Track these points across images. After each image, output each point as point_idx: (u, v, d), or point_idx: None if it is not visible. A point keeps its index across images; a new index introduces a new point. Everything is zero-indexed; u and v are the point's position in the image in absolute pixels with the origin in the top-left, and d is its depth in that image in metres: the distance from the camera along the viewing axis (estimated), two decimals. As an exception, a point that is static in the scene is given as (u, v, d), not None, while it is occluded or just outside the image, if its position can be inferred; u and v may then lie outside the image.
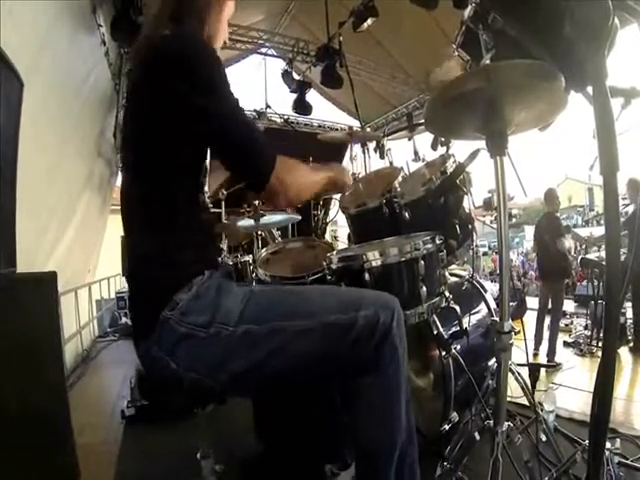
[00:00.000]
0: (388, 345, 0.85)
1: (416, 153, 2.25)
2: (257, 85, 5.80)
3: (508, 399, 1.25)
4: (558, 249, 3.56)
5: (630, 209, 3.50)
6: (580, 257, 4.65)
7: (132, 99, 0.95)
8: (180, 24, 0.91)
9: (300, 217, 2.68)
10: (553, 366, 3.23)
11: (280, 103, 5.64)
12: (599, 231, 4.41)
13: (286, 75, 5.13)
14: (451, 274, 1.79)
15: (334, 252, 1.46)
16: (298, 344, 0.83)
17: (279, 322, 0.84)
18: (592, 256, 4.07)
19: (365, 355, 0.85)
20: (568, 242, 3.77)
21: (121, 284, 6.95)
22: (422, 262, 1.18)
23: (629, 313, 3.70)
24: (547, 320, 3.66)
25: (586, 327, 3.99)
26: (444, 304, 1.30)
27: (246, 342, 0.83)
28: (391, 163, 2.27)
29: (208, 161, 1.00)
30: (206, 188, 1.00)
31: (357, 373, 0.88)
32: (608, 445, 1.35)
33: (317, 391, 1.27)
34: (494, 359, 1.36)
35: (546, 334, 3.61)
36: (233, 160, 0.90)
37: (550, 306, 3.68)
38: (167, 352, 0.83)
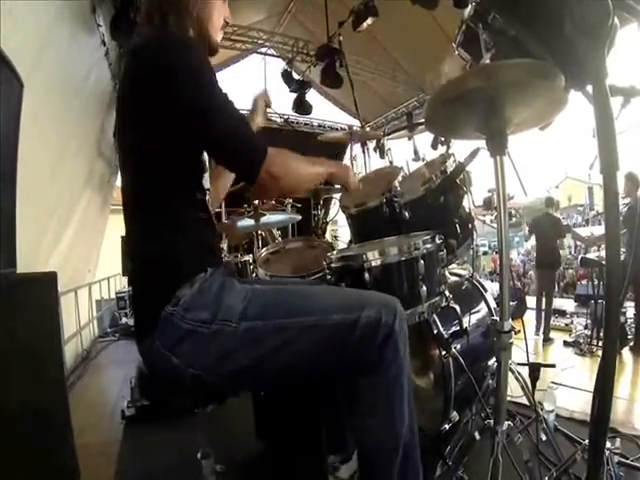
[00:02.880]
0: (391, 346, 0.85)
1: (416, 152, 2.25)
2: (257, 85, 5.81)
3: (508, 399, 1.25)
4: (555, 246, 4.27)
5: (626, 206, 3.48)
6: (580, 256, 4.73)
7: (121, 105, 0.94)
8: (163, 18, 0.91)
9: (300, 217, 2.69)
10: (553, 365, 3.23)
11: (280, 103, 5.64)
12: (599, 230, 4.44)
13: (286, 75, 5.13)
14: (451, 273, 1.79)
15: (334, 252, 1.46)
16: (302, 341, 0.84)
17: (283, 319, 0.84)
18: (592, 255, 4.09)
19: (368, 355, 0.85)
20: (567, 241, 4.42)
21: (121, 284, 6.94)
22: (422, 261, 1.18)
23: (629, 313, 3.70)
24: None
25: (586, 327, 3.99)
26: (444, 303, 1.29)
27: (250, 338, 0.83)
28: (391, 163, 2.27)
29: (207, 160, 1.00)
30: (208, 185, 1.00)
31: (360, 372, 0.88)
32: (608, 445, 1.35)
33: (318, 389, 1.27)
34: (494, 358, 1.36)
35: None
36: (221, 154, 0.91)
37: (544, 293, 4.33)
38: (169, 348, 0.84)
